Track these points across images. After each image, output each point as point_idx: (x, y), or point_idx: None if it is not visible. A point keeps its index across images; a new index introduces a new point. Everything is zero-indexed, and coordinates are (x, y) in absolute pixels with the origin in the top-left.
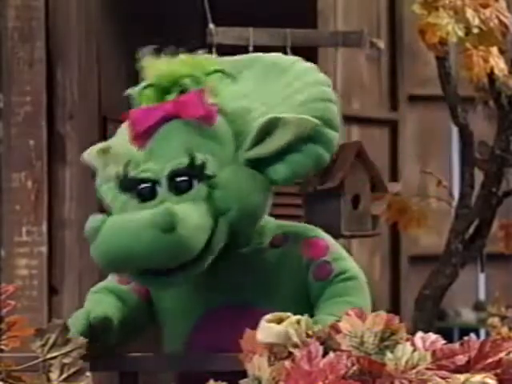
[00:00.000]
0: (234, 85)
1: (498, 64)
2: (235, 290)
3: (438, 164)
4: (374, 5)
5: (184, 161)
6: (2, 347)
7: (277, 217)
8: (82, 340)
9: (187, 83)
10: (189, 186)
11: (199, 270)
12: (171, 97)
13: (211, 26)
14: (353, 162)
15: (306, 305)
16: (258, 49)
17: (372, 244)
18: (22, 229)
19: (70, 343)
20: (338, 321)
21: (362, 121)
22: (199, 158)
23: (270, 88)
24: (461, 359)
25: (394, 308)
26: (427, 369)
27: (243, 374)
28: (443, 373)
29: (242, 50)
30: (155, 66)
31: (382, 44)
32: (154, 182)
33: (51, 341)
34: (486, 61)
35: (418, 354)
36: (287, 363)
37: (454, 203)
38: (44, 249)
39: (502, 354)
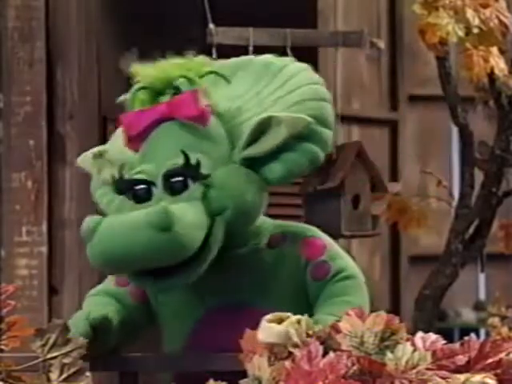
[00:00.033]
0: (227, 87)
1: (498, 64)
2: (233, 290)
3: (438, 164)
4: (374, 5)
5: (179, 161)
6: (2, 347)
7: (277, 217)
8: (82, 340)
9: (181, 84)
10: (184, 187)
11: (199, 270)
12: (165, 99)
13: (211, 26)
14: (353, 161)
15: (305, 304)
16: (258, 49)
17: (372, 244)
18: (22, 229)
19: (70, 343)
20: (338, 321)
21: (362, 121)
22: (194, 157)
23: (264, 89)
24: (461, 359)
25: (394, 308)
26: (427, 369)
27: (243, 374)
28: (443, 373)
29: (241, 49)
30: (147, 70)
31: (382, 44)
32: (150, 184)
33: (51, 341)
34: (486, 61)
35: (419, 354)
36: (287, 363)
37: (454, 203)
38: (44, 249)
39: (502, 355)
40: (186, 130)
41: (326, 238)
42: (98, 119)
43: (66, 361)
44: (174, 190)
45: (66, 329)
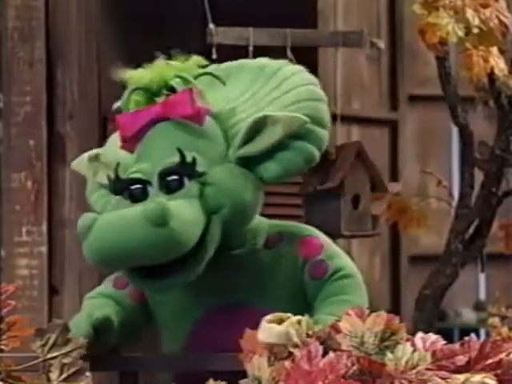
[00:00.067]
0: (223, 88)
1: (498, 64)
2: (231, 291)
3: (438, 164)
4: (374, 5)
5: (174, 159)
6: (2, 347)
7: (277, 217)
8: (82, 340)
9: (176, 84)
10: (180, 185)
11: (197, 270)
12: (160, 99)
13: (211, 26)
14: (353, 162)
15: (303, 304)
16: (258, 49)
17: (372, 244)
18: (22, 229)
19: (70, 343)
20: (338, 321)
21: (362, 121)
22: (190, 155)
23: (259, 90)
24: (461, 360)
25: (394, 308)
26: (427, 369)
27: (243, 374)
28: (443, 373)
29: (241, 49)
30: (141, 72)
31: (382, 44)
32: (145, 183)
33: (51, 341)
34: (486, 61)
35: (418, 354)
36: (287, 363)
37: (454, 203)
38: (44, 249)
39: (502, 355)
40: (182, 130)
41: (324, 238)
42: (98, 119)
43: (65, 361)
44: (170, 188)
45: (66, 329)
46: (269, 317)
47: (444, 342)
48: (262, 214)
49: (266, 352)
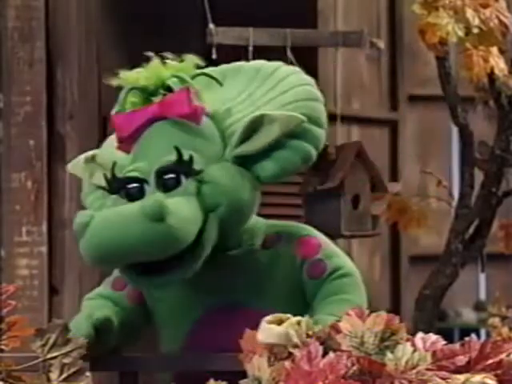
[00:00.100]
0: (219, 89)
1: (498, 64)
2: (230, 291)
3: (438, 164)
4: (374, 5)
5: (172, 157)
6: (2, 347)
7: (277, 217)
8: (82, 340)
9: (173, 84)
10: (177, 183)
11: (194, 267)
12: (156, 99)
13: (211, 26)
14: (353, 162)
15: (301, 304)
16: (258, 49)
17: (372, 244)
18: (22, 229)
19: (70, 343)
20: (338, 321)
21: (362, 121)
22: (187, 153)
23: (256, 91)
24: (461, 360)
25: (394, 308)
26: (427, 369)
27: (243, 374)
28: (443, 373)
29: (241, 49)
30: (137, 72)
31: (382, 44)
32: (142, 181)
33: (51, 341)
34: (486, 61)
35: (419, 354)
36: (287, 363)
37: (454, 203)
38: (44, 249)
39: (502, 355)
40: (179, 128)
41: (321, 237)
42: (98, 119)
43: (65, 361)
44: (167, 186)
45: (66, 329)
46: (268, 317)
47: (444, 342)
48: (262, 214)
49: (265, 352)
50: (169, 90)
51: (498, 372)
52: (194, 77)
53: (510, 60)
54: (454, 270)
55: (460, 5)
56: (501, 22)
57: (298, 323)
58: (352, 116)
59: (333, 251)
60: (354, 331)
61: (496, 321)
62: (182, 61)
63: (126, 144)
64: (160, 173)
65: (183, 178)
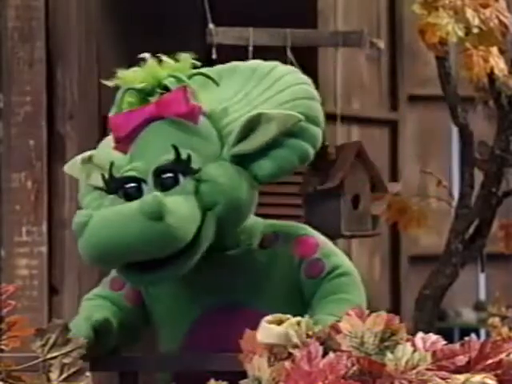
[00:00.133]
0: (216, 89)
1: (498, 64)
2: (228, 291)
3: (438, 164)
4: (374, 5)
5: (169, 156)
6: (2, 347)
7: (277, 217)
8: (82, 340)
9: (169, 83)
10: (175, 182)
11: (189, 263)
12: (153, 99)
13: (211, 26)
14: (353, 162)
15: (299, 303)
16: (258, 49)
17: (372, 244)
18: (22, 229)
19: (70, 343)
20: (339, 321)
21: (362, 121)
22: (184, 152)
23: (253, 90)
24: (461, 360)
25: (394, 308)
26: (427, 369)
27: (243, 375)
28: (443, 373)
29: (241, 49)
30: (134, 72)
31: (382, 44)
32: (140, 181)
33: (51, 341)
34: (486, 61)
35: (419, 354)
36: (287, 364)
37: (454, 203)
38: (44, 249)
39: (502, 355)
40: (176, 128)
41: (319, 236)
42: (97, 119)
43: (66, 361)
44: (165, 185)
45: (66, 329)
46: (268, 317)
47: (444, 342)
48: (262, 214)
49: (265, 352)
50: (166, 89)
51: (498, 372)
52: (190, 76)
53: (510, 60)
54: (454, 270)
55: (460, 5)
56: (501, 22)
57: (298, 323)
58: (352, 116)
59: (331, 250)
60: (354, 331)
61: (496, 321)
62: (177, 60)
63: (123, 144)
64: (158, 172)
65: (181, 177)
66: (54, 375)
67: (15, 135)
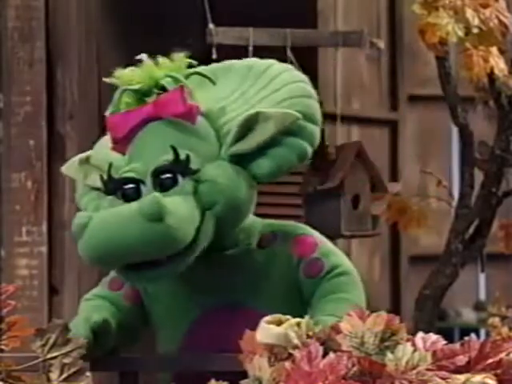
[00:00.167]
0: (212, 88)
1: (498, 64)
2: (227, 291)
3: (438, 164)
4: (374, 5)
5: (168, 157)
6: (2, 347)
7: (277, 217)
8: (82, 340)
9: (166, 84)
10: (173, 183)
11: (187, 261)
12: (150, 99)
13: (211, 26)
14: (353, 162)
15: (298, 303)
16: (258, 49)
17: (372, 244)
18: (22, 229)
19: (70, 343)
20: (339, 321)
21: (362, 121)
22: (183, 153)
23: (249, 89)
24: (461, 360)
25: (394, 308)
26: (427, 369)
27: (243, 375)
28: (443, 373)
29: (241, 49)
30: (131, 72)
31: (382, 44)
32: (139, 182)
33: (51, 341)
34: (486, 61)
35: (419, 354)
36: (287, 364)
37: (454, 203)
38: (44, 249)
39: (502, 355)
40: (174, 128)
41: (318, 236)
42: (97, 119)
43: (66, 361)
44: (164, 186)
45: (66, 329)
46: (268, 317)
47: (444, 342)
48: (262, 214)
49: (266, 352)
50: (163, 89)
51: (498, 371)
52: (187, 76)
53: (510, 60)
54: (454, 270)
55: (460, 5)
56: (501, 22)
57: (298, 324)
58: (352, 116)
59: (330, 250)
60: (354, 331)
61: (496, 321)
62: (172, 60)
63: (120, 145)
64: (157, 173)
65: (180, 178)
66: (54, 375)
67: (15, 135)
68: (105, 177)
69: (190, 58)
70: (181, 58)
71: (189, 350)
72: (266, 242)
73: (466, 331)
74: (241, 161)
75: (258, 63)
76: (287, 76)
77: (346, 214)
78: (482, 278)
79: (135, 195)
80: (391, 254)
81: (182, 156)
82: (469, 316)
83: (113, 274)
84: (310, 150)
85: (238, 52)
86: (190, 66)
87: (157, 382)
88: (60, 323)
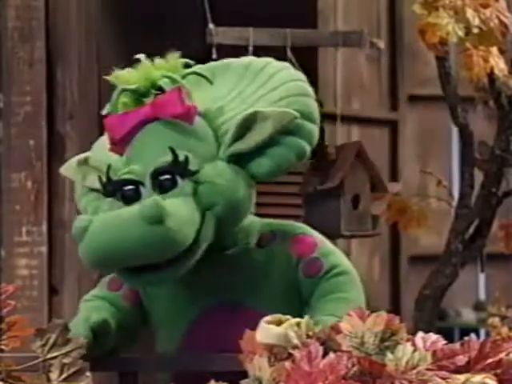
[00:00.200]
0: (210, 88)
1: (498, 64)
2: (226, 290)
3: (438, 164)
4: (374, 5)
5: (167, 158)
6: (2, 347)
7: (277, 217)
8: (82, 340)
9: (164, 84)
10: (173, 184)
11: (188, 265)
12: (148, 100)
13: (211, 26)
14: (353, 162)
15: (297, 302)
16: (258, 49)
17: (372, 244)
18: (22, 229)
19: (70, 343)
20: (339, 321)
21: (362, 121)
22: (182, 154)
23: (246, 88)
24: (461, 359)
25: (394, 308)
26: (427, 369)
27: (243, 375)
28: (443, 373)
29: (241, 49)
30: (128, 73)
31: (382, 44)
32: (138, 183)
33: (51, 341)
34: (486, 61)
35: (419, 354)
36: (287, 364)
37: (454, 203)
38: (44, 249)
39: (502, 355)
40: (172, 129)
41: (317, 235)
42: (97, 119)
43: (66, 361)
44: (163, 188)
45: (66, 329)
46: (268, 317)
47: (444, 342)
48: (262, 214)
49: (266, 352)
50: (160, 90)
51: (498, 371)
52: (184, 76)
53: (510, 60)
54: (454, 270)
55: (460, 5)
56: (501, 21)
57: (298, 324)
58: (352, 116)
59: (329, 249)
60: (354, 331)
61: (496, 321)
62: (169, 61)
63: (118, 146)
64: (156, 174)
65: (179, 179)
66: (54, 375)
67: (15, 135)
68: (103, 179)
69: (190, 58)
70: (176, 57)
71: (188, 349)
72: (265, 242)
73: (465, 331)
74: (239, 160)
75: (256, 62)
76: (285, 74)
77: (345, 214)
78: (481, 278)
79: (135, 197)
80: (391, 254)
81: (181, 157)
82: (469, 316)
83: (112, 274)
84: (308, 149)
85: (238, 52)
86: (187, 65)
87: (156, 382)
88: (60, 323)
